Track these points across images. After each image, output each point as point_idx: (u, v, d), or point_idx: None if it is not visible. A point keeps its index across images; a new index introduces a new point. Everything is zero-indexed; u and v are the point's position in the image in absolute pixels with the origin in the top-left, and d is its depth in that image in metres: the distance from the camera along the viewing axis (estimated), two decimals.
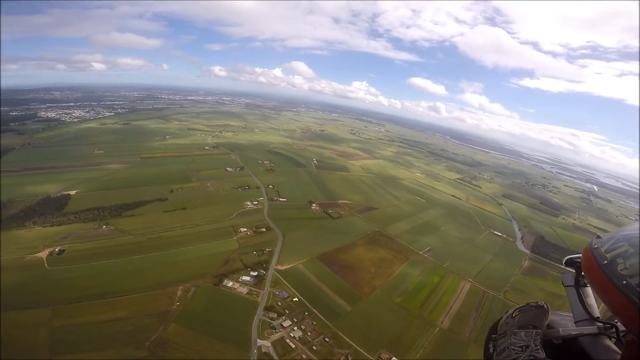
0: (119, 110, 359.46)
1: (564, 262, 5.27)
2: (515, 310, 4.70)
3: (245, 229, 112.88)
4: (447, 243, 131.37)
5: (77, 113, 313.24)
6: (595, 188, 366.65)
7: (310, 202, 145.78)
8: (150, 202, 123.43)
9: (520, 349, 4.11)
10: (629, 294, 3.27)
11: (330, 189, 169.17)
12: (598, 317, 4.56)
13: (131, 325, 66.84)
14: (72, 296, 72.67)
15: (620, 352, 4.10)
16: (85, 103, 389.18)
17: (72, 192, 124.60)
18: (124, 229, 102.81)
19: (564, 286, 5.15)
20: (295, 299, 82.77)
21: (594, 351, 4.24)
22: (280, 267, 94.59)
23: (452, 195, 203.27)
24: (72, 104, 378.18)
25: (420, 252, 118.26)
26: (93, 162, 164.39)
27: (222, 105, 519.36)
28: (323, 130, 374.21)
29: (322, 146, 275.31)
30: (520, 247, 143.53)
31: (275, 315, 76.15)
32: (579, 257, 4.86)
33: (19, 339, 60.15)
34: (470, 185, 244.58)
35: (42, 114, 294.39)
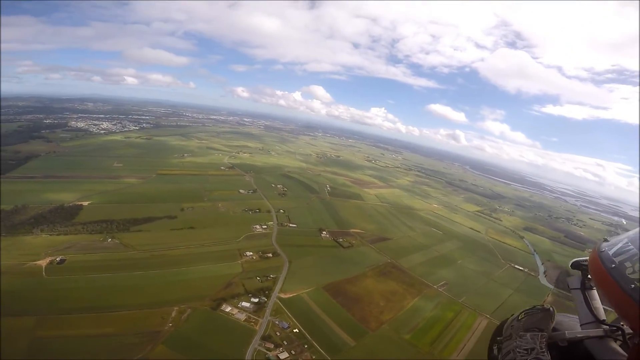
0: (144, 124, 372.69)
1: (570, 265, 5.20)
2: (521, 312, 4.66)
3: (251, 253, 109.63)
4: (463, 277, 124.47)
5: (104, 125, 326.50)
6: (624, 221, 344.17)
7: (321, 230, 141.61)
8: (159, 218, 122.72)
9: (525, 352, 4.09)
10: (637, 297, 3.29)
11: (343, 217, 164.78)
12: (604, 320, 4.47)
13: (117, 343, 63.96)
14: (63, 307, 70.99)
15: (626, 354, 4.04)
16: (114, 116, 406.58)
17: (85, 203, 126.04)
18: (129, 244, 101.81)
19: (570, 289, 5.09)
20: (296, 330, 78.02)
21: (599, 354, 4.16)
22: (283, 295, 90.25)
23: (471, 228, 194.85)
24: (102, 115, 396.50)
25: (434, 286, 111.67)
26: (111, 175, 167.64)
27: (243, 126, 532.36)
28: (339, 156, 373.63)
29: (337, 172, 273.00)
30: (544, 281, 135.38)
31: (272, 346, 71.44)
32: (586, 260, 4.81)
33: None
34: (489, 218, 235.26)
35: (73, 123, 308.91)
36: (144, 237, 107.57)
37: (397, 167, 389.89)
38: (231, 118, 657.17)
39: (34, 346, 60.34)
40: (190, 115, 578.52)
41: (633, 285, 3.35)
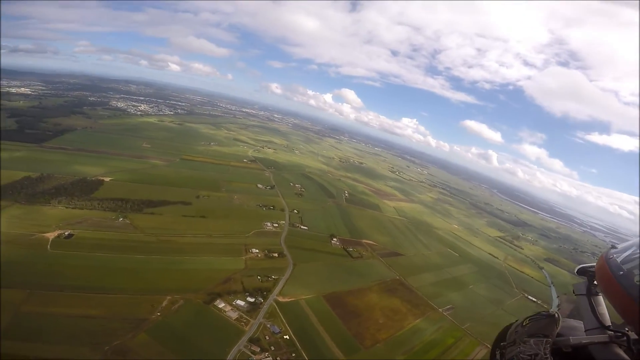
0: (179, 110, 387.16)
1: (576, 271, 5.19)
2: (525, 319, 4.64)
3: (257, 250, 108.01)
4: (472, 303, 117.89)
5: (142, 107, 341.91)
6: None
7: (332, 236, 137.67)
8: (173, 203, 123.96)
9: (529, 357, 4.12)
10: None
11: (356, 225, 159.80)
12: (609, 326, 4.47)
13: (100, 326, 63.49)
14: (57, 284, 71.51)
15: None
16: (153, 99, 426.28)
17: (107, 179, 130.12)
18: (139, 226, 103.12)
19: (575, 295, 5.06)
20: (287, 336, 75.17)
21: (604, 359, 4.20)
22: (280, 299, 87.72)
23: (489, 253, 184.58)
24: (142, 98, 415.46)
25: (440, 309, 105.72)
26: (137, 154, 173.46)
27: (272, 122, 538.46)
28: (362, 163, 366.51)
29: (358, 179, 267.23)
30: None
31: (258, 349, 68.99)
32: (592, 267, 4.92)
33: None
34: (511, 245, 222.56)
35: (114, 103, 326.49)
36: (154, 221, 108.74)
37: (422, 182, 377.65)
38: (262, 113, 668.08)
39: (15, 320, 60.39)
40: (224, 105, 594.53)
41: None
